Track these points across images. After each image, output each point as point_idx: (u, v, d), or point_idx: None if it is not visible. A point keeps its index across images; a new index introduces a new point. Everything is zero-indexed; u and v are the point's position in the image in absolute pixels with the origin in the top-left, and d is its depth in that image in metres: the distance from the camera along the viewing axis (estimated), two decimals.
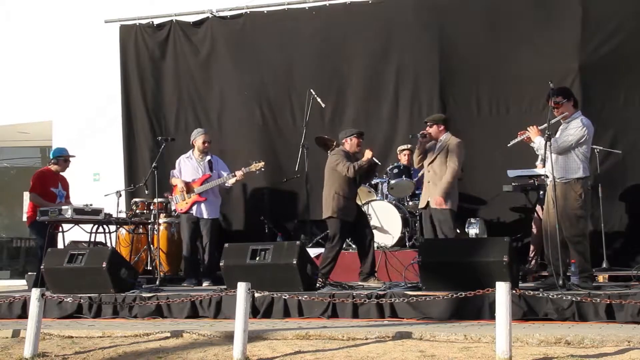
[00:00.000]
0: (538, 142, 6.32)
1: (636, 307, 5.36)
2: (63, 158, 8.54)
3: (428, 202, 7.19)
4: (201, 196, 8.33)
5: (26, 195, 8.78)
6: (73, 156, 8.65)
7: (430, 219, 7.20)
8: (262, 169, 8.38)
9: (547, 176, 6.37)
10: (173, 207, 8.79)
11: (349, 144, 7.47)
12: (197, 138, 8.54)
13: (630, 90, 8.42)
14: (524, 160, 7.65)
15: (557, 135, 6.43)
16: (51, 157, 8.60)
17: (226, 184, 8.47)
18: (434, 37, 9.08)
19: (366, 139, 8.91)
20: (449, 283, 5.92)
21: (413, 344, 4.96)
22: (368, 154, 7.34)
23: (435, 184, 7.14)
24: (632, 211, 8.26)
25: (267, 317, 6.21)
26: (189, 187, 8.33)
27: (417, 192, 8.26)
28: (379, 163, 7.92)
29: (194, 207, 8.32)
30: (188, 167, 8.49)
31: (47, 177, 8.43)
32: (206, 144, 8.52)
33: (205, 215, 8.34)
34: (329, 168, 7.41)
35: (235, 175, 8.34)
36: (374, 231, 7.87)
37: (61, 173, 8.59)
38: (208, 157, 8.55)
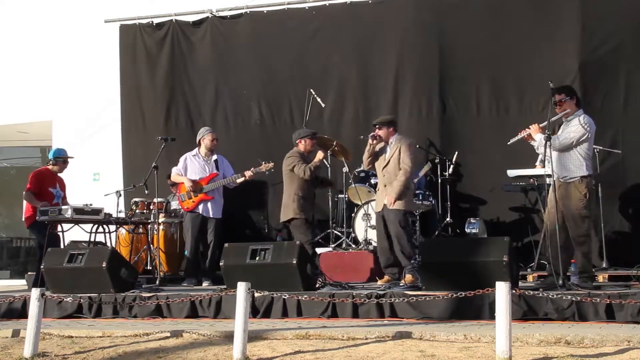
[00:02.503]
0: (539, 139, 6.28)
1: (636, 307, 5.36)
2: (62, 159, 8.51)
3: (384, 206, 7.01)
4: (208, 195, 8.32)
5: None
6: (72, 157, 8.64)
7: (383, 222, 7.02)
8: (272, 170, 8.34)
9: (549, 175, 6.35)
10: (176, 205, 8.78)
11: (303, 145, 7.64)
12: (206, 136, 8.53)
13: (630, 90, 8.41)
14: (524, 160, 7.64)
15: (559, 132, 6.42)
16: (50, 157, 8.59)
17: (230, 184, 8.44)
18: (434, 37, 9.08)
19: (365, 138, 8.95)
20: (448, 283, 5.92)
21: (413, 344, 4.96)
22: (320, 155, 7.49)
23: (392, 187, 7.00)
24: (632, 211, 8.26)
25: (267, 317, 6.21)
26: (197, 185, 8.32)
27: (417, 192, 8.23)
28: (328, 165, 7.91)
29: (200, 206, 8.31)
30: (195, 165, 8.46)
31: (46, 177, 8.41)
32: (214, 142, 8.53)
33: (211, 215, 8.33)
34: (286, 171, 7.55)
35: (245, 175, 8.34)
36: (374, 231, 7.86)
37: (59, 174, 8.58)
38: (214, 157, 8.54)
